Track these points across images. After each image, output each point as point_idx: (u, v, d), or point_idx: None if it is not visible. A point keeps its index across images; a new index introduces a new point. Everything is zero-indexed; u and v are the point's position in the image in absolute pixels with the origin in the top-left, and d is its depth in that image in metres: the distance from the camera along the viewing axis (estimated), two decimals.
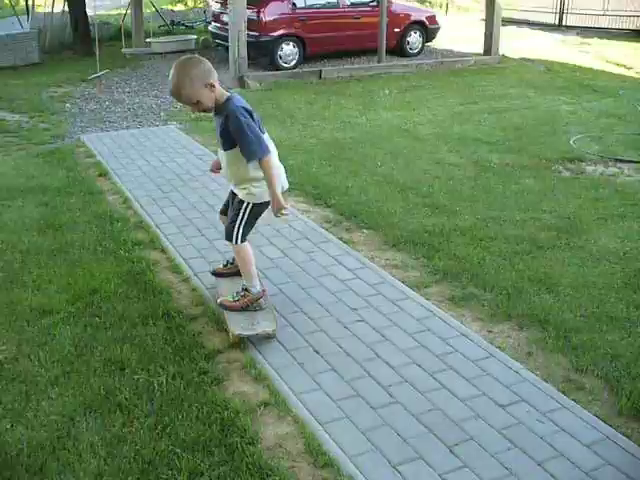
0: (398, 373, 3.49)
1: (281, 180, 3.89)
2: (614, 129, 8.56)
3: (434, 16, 14.72)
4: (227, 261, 4.34)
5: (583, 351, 3.71)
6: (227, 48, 12.84)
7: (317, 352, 3.66)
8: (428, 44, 14.77)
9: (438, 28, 14.71)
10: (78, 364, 3.55)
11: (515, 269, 4.67)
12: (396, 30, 13.59)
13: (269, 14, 12.13)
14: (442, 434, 3.05)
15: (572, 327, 3.94)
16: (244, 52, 10.62)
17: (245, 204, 3.81)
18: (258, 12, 11.88)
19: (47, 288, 4.33)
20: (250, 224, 3.87)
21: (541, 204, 5.93)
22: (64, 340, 3.75)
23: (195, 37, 15.05)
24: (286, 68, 12.26)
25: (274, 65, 12.20)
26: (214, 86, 3.58)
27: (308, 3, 12.65)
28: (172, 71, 3.58)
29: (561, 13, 18.70)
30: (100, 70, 10.21)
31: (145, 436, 3.01)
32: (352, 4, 13.18)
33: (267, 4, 12.04)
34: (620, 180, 6.67)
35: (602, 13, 17.86)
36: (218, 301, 3.99)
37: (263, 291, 3.95)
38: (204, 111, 3.70)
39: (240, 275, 4.11)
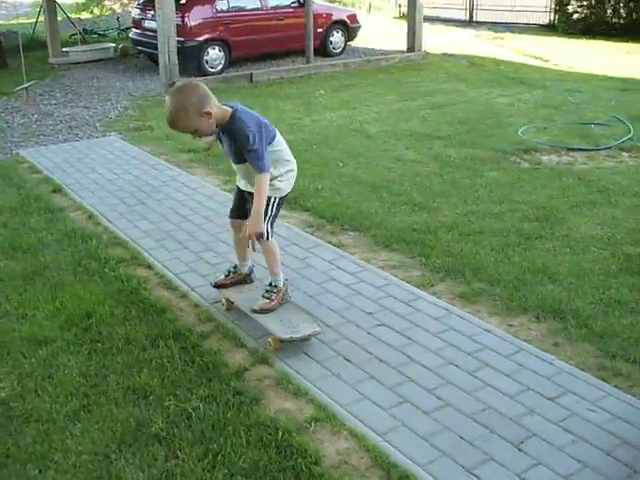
0: (437, 374, 3.41)
1: (291, 182, 3.86)
2: (554, 119, 8.78)
3: (355, 15, 14.78)
4: (228, 271, 4.15)
5: (607, 337, 3.73)
6: (150, 55, 12.51)
7: (348, 360, 3.53)
8: (349, 43, 14.79)
9: (359, 27, 14.78)
10: (95, 395, 3.28)
11: (512, 262, 4.67)
12: (319, 30, 13.55)
13: (193, 18, 11.84)
14: (504, 433, 2.99)
15: (588, 315, 3.96)
16: (175, 58, 10.29)
17: (272, 199, 3.71)
18: (182, 17, 11.57)
19: (34, 315, 4.01)
20: (276, 218, 3.81)
21: (512, 196, 5.98)
22: (70, 371, 3.47)
23: (113, 45, 14.53)
24: (212, 73, 11.99)
25: (201, 70, 11.90)
26: (210, 113, 3.44)
27: (232, 6, 12.42)
28: (167, 101, 3.43)
29: (471, 9, 19.18)
30: (27, 81, 9.63)
31: (197, 468, 2.81)
32: (275, 6, 13.03)
33: (191, 8, 11.75)
34: (577, 168, 6.82)
35: (510, 9, 18.41)
36: (253, 308, 3.82)
37: (286, 280, 3.90)
38: (204, 136, 3.59)
39: (244, 282, 4.09)
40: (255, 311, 3.82)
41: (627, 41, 15.79)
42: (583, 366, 3.51)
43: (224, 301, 4.10)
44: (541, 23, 18.17)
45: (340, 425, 3.04)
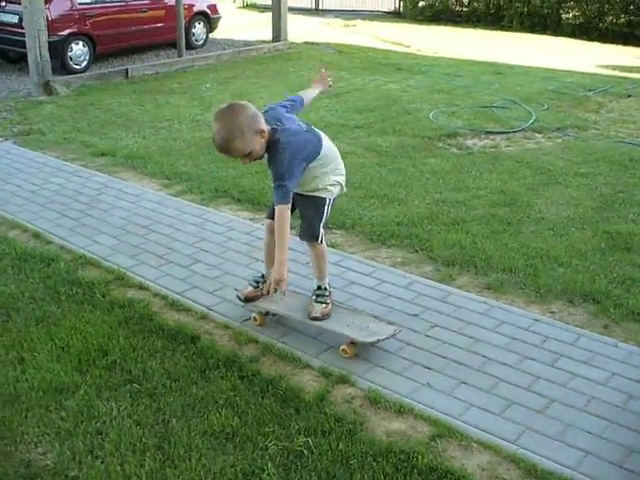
0: (522, 370, 3.34)
1: (343, 182, 3.62)
2: (456, 103, 8.99)
3: (215, 5, 14.27)
4: (256, 281, 3.81)
5: None
6: (8, 52, 11.37)
7: (429, 368, 3.35)
8: (210, 34, 14.30)
9: (219, 17, 14.33)
10: (170, 447, 2.84)
11: (510, 248, 4.68)
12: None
13: (55, 11, 10.82)
14: (621, 421, 2.96)
15: (615, 294, 4.05)
16: (46, 54, 9.35)
17: (327, 201, 3.50)
18: None
19: (34, 358, 3.43)
20: (327, 219, 3.61)
21: (466, 182, 6.02)
22: (121, 421, 2.98)
23: None
24: (77, 70, 11.08)
25: (65, 68, 10.95)
26: (265, 131, 3.18)
27: None
28: (216, 124, 3.15)
29: None
30: None
31: None
32: None
33: (51, 0, 10.72)
34: (507, 151, 7.02)
35: None
36: (313, 315, 3.55)
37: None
38: (255, 160, 3.29)
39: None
40: (317, 318, 3.56)
41: (474, 27, 16.61)
42: None
43: (256, 316, 3.74)
44: (386, 10, 18.62)
45: (466, 438, 2.85)
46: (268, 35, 14.32)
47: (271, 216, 3.67)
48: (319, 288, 3.66)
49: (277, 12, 13.38)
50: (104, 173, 6.25)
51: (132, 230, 4.94)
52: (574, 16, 15.58)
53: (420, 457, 2.71)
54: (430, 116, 8.28)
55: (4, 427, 2.95)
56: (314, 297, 3.66)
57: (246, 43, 14.09)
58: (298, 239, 3.65)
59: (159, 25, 12.54)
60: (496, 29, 16.64)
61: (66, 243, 4.73)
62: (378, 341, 3.38)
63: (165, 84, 10.42)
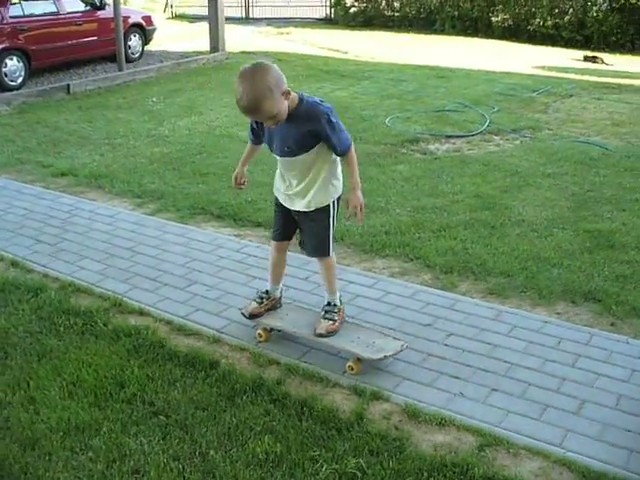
0: (546, 373, 3.41)
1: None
2: (408, 108, 9.10)
3: (150, 17, 14.04)
4: (260, 297, 3.76)
5: None
6: None
7: (457, 377, 3.36)
8: (146, 47, 14.03)
9: (154, 29, 14.10)
10: (211, 478, 2.74)
11: (501, 252, 4.76)
12: None
13: None
14: None
15: (614, 292, 4.17)
16: None
17: (330, 207, 3.42)
18: None
19: (47, 397, 3.26)
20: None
21: (440, 188, 6.09)
22: (157, 458, 2.86)
23: None
24: (13, 87, 10.69)
25: (1, 85, 10.54)
26: (290, 93, 3.11)
27: (27, 12, 11.11)
28: (243, 84, 3.00)
29: (247, 6, 19.16)
30: None
31: None
32: (72, 10, 11.91)
33: None
34: (472, 154, 7.15)
35: (286, 4, 18.72)
36: (319, 332, 3.48)
37: (341, 296, 3.69)
38: (276, 124, 3.15)
39: (274, 307, 3.74)
40: (322, 335, 3.50)
41: (407, 32, 16.87)
42: None
43: (261, 332, 3.68)
44: (318, 17, 18.71)
45: (513, 446, 2.87)
46: (202, 46, 14.18)
47: (279, 238, 3.60)
48: (328, 304, 3.62)
49: (214, 22, 13.25)
50: (70, 194, 6.03)
51: (116, 253, 4.78)
52: (503, 19, 15.99)
53: (475, 468, 2.71)
54: (387, 122, 8.34)
55: (29, 475, 2.78)
56: (323, 313, 3.61)
57: (183, 55, 13.89)
58: (305, 255, 3.58)
59: (94, 38, 12.26)
60: (429, 33, 16.95)
61: (49, 270, 4.53)
62: (385, 357, 3.35)
63: (110, 99, 10.16)
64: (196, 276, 4.44)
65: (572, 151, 7.06)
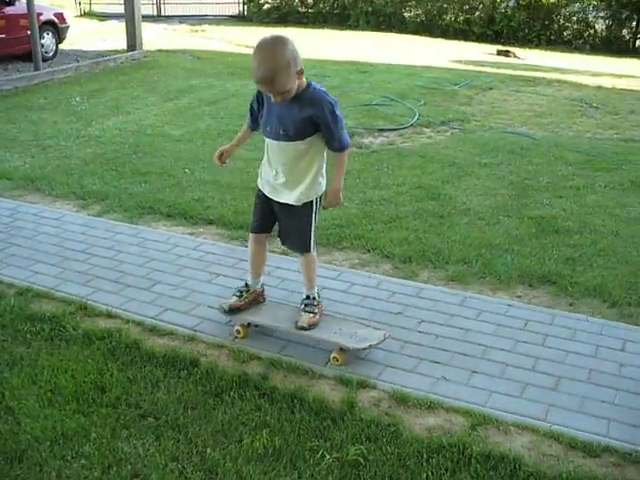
0: (521, 353, 3.56)
1: None
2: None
3: (62, 14, 13.56)
4: (240, 291, 3.75)
5: (600, 290, 4.17)
6: None
7: (437, 362, 3.49)
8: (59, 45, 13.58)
9: (68, 27, 13.64)
10: (219, 478, 2.75)
11: (454, 240, 4.92)
12: (29, 33, 12.15)
13: None
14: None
15: (566, 274, 4.40)
16: None
17: (313, 203, 3.44)
18: None
19: (26, 407, 3.15)
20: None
21: (382, 180, 6.22)
22: (151, 460, 2.83)
23: None
24: None
25: None
26: (303, 73, 3.14)
27: None
28: (261, 54, 3.02)
29: (159, 4, 18.83)
30: None
31: None
32: None
33: None
34: (405, 147, 7.32)
35: (199, 1, 18.53)
36: (300, 325, 3.51)
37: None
38: (283, 101, 3.16)
39: (256, 301, 3.76)
40: (303, 328, 3.53)
41: (321, 27, 17.00)
42: (609, 317, 3.87)
43: (239, 328, 3.69)
44: (231, 14, 18.60)
45: (502, 423, 3.00)
46: (116, 44, 13.89)
47: (258, 230, 3.62)
48: (307, 298, 3.65)
49: (131, 20, 12.98)
50: (8, 198, 5.80)
51: (70, 256, 4.65)
52: (416, 14, 16.37)
53: (471, 447, 2.81)
54: None
55: None
56: (302, 306, 3.64)
57: (99, 54, 13.52)
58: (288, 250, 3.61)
59: (2, 36, 11.72)
60: (344, 29, 17.14)
61: (2, 277, 4.37)
62: (370, 347, 3.41)
63: (30, 99, 9.80)
64: (158, 276, 4.38)
65: (503, 141, 7.34)
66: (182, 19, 18.50)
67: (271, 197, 3.45)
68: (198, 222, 5.27)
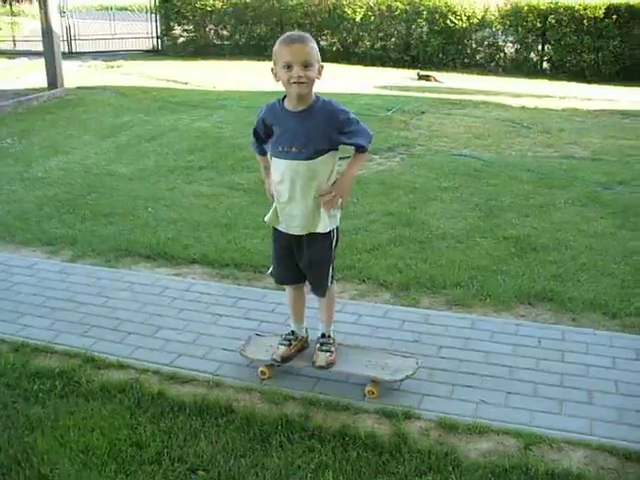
0: (545, 371, 3.65)
1: None
2: None
3: None
4: (288, 340, 3.60)
5: (598, 305, 4.35)
6: None
7: (469, 386, 3.54)
8: None
9: None
10: None
11: (441, 264, 5.02)
12: None
13: None
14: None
15: (559, 290, 4.56)
16: None
17: (332, 234, 3.36)
18: None
19: (60, 472, 3.00)
20: None
21: (350, 209, 6.22)
22: None
23: None
24: None
25: None
26: (322, 69, 3.16)
27: None
28: (297, 34, 3.11)
29: (69, 40, 18.39)
30: None
31: None
32: None
33: None
34: (361, 174, 7.34)
35: (111, 37, 18.22)
36: (319, 365, 3.46)
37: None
38: (302, 90, 3.09)
39: (303, 349, 3.66)
40: (322, 367, 3.49)
41: (240, 60, 17.04)
42: (613, 329, 4.05)
43: (264, 370, 3.63)
44: (145, 49, 18.37)
45: (553, 441, 3.07)
46: (33, 82, 13.51)
47: (290, 281, 3.57)
48: (323, 336, 3.58)
49: (51, 58, 12.60)
50: None
51: (57, 306, 4.45)
52: (332, 43, 16.66)
53: (535, 467, 2.86)
54: None
55: None
56: (318, 345, 3.56)
57: (18, 92, 13.01)
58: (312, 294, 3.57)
59: None
60: (262, 59, 17.20)
61: None
62: (407, 377, 3.41)
63: None
64: (158, 320, 4.25)
65: (454, 164, 7.55)
66: (95, 55, 18.10)
67: (287, 231, 3.36)
68: (180, 262, 5.15)
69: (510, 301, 4.41)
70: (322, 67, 3.13)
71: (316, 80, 3.10)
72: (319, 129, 3.12)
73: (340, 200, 3.29)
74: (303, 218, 3.27)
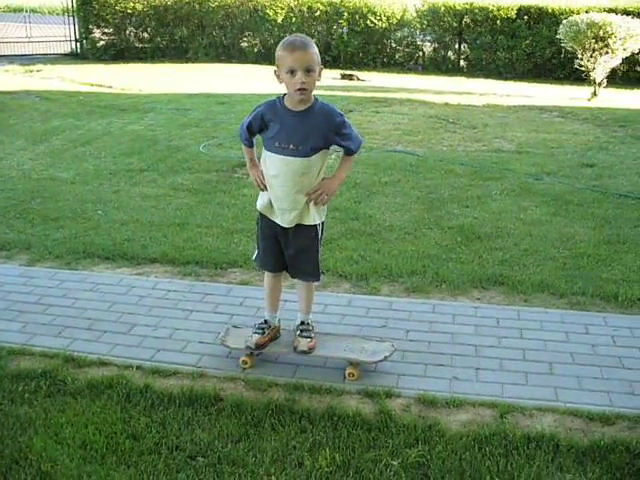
0: (508, 347, 3.93)
1: None
2: (214, 135, 9.37)
3: None
4: (262, 329, 3.74)
5: (545, 285, 4.71)
6: None
7: (441, 365, 3.79)
8: None
9: None
10: None
11: (393, 255, 5.27)
12: None
13: None
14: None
15: (507, 275, 4.89)
16: None
17: (319, 226, 3.56)
18: None
19: (60, 469, 3.04)
20: None
21: None
22: None
23: None
24: None
25: None
26: (322, 70, 3.40)
27: None
28: (300, 39, 3.32)
29: None
30: None
31: None
32: None
33: None
34: None
35: (28, 40, 17.75)
36: (301, 349, 3.64)
37: None
38: (304, 94, 3.31)
39: (275, 338, 3.84)
40: (304, 352, 3.67)
41: (161, 62, 16.94)
42: (562, 307, 4.41)
43: (245, 359, 3.78)
44: (63, 52, 17.99)
45: (525, 409, 3.35)
46: None
47: (275, 269, 3.74)
48: (303, 323, 3.77)
49: None
50: None
51: (26, 309, 4.46)
52: (253, 44, 16.79)
53: (514, 432, 3.14)
54: (202, 150, 8.51)
55: None
56: (299, 332, 3.74)
57: None
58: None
59: None
60: (183, 62, 17.19)
61: None
62: (386, 358, 3.64)
63: None
64: (130, 319, 4.33)
65: (391, 160, 7.86)
66: (11, 59, 17.58)
67: (280, 222, 3.54)
68: (141, 262, 5.22)
69: (464, 286, 4.69)
70: (322, 69, 3.35)
71: (316, 82, 3.32)
72: (318, 129, 3.34)
73: (326, 197, 3.46)
74: (293, 211, 3.44)
